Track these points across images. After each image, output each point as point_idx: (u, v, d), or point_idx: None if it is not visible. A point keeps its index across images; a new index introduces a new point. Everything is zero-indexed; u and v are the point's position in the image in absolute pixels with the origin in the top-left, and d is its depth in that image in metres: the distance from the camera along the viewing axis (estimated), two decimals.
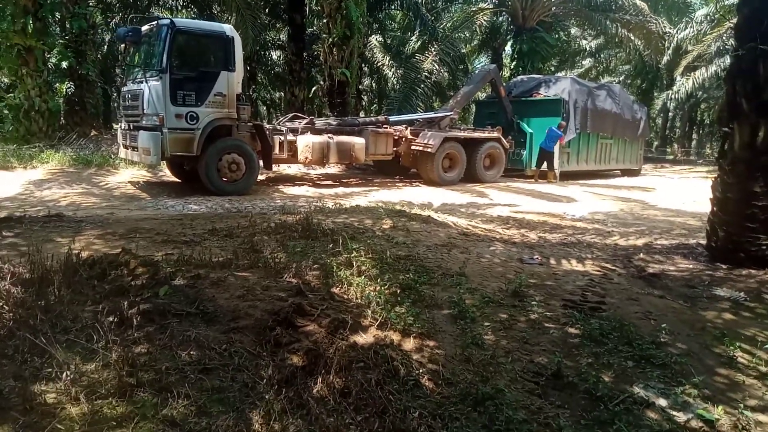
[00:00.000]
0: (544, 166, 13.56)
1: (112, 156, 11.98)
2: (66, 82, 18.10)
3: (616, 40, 21.48)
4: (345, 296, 3.64)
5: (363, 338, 2.90)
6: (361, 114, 25.69)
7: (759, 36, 4.60)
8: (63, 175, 10.32)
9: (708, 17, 22.36)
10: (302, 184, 11.16)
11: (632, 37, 20.72)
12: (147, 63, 8.78)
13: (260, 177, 10.69)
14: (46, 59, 14.67)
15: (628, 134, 16.29)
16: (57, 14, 16.24)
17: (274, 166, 10.55)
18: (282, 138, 10.30)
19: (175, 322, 2.90)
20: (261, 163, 9.83)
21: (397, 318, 3.20)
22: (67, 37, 16.89)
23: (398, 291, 3.71)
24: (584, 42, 31.69)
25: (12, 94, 13.57)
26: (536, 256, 5.29)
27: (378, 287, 3.74)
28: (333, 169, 13.08)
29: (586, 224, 7.78)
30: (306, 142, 10.46)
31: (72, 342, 2.73)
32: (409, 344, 3.01)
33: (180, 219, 6.17)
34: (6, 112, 13.71)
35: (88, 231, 5.53)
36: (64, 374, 2.31)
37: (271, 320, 2.88)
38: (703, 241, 5.72)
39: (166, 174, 11.11)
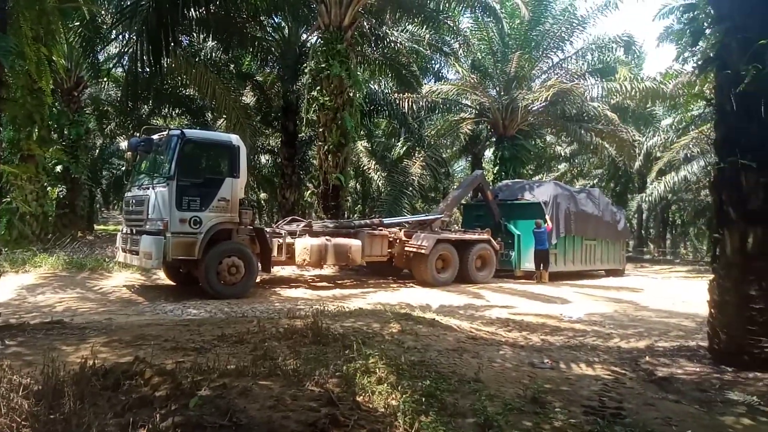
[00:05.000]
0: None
1: (106, 259, 11.94)
2: (59, 186, 18.42)
3: (591, 147, 22.84)
4: (370, 405, 3.63)
5: None
6: (354, 216, 26.30)
7: (739, 151, 5.00)
8: (56, 279, 10.21)
9: (673, 127, 24.13)
10: (298, 286, 11.15)
11: (606, 145, 22.09)
12: (155, 170, 9.08)
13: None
14: (46, 165, 15.02)
15: (610, 235, 16.89)
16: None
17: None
18: (281, 241, 10.46)
19: None
20: (259, 265, 9.89)
21: (428, 428, 3.20)
22: (63, 143, 17.46)
23: (422, 399, 3.72)
24: (559, 148, 33.55)
25: (7, 199, 13.70)
26: (546, 361, 5.34)
27: (400, 395, 3.75)
28: (327, 270, 13.16)
29: (585, 326, 7.86)
30: (304, 245, 10.63)
31: None
32: None
33: (186, 324, 6.12)
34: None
35: (93, 338, 5.46)
36: None
37: None
38: (703, 343, 5.82)
39: (161, 277, 11.05)
